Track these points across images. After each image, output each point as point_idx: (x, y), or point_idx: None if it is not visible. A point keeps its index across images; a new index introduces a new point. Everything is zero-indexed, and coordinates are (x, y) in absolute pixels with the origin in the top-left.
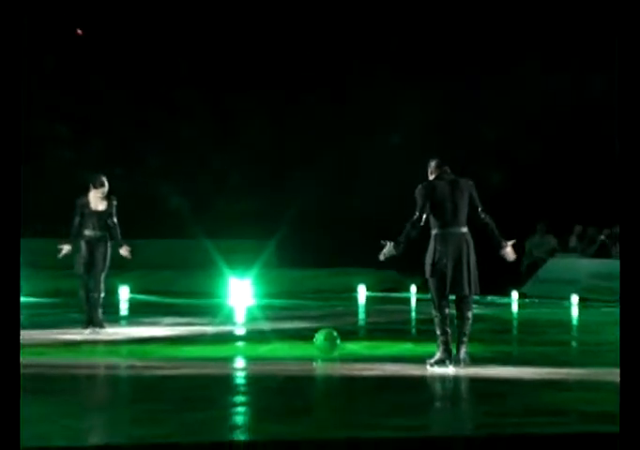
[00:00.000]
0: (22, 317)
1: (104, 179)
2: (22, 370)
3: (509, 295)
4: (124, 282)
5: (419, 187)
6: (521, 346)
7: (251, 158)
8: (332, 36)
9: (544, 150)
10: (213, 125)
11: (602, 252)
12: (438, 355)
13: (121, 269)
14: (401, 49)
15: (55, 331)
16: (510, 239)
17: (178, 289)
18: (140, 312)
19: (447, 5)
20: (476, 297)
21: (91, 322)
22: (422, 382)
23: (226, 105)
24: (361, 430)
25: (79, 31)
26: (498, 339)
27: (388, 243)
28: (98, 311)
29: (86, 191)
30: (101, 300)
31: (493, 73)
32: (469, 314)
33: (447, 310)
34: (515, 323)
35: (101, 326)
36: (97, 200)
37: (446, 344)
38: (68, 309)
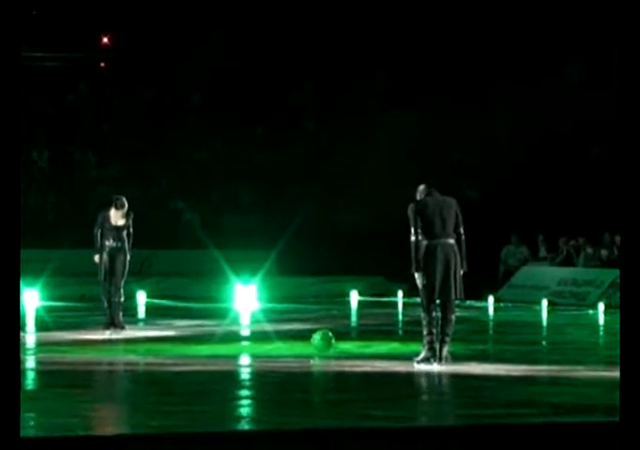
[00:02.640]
0: (49, 319)
1: (124, 200)
2: (48, 367)
3: (485, 300)
4: (141, 288)
5: (411, 204)
6: (496, 345)
7: (255, 179)
8: (326, 71)
9: (514, 170)
10: (223, 149)
11: (568, 261)
12: (424, 354)
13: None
14: (387, 83)
15: (80, 332)
16: (485, 250)
17: (190, 294)
18: (155, 315)
19: (428, 42)
20: (456, 301)
21: (112, 323)
22: (408, 377)
23: (235, 131)
24: (354, 421)
25: (102, 64)
26: (476, 339)
27: (416, 274)
28: (118, 314)
29: (108, 206)
30: (122, 304)
31: (466, 103)
32: (452, 317)
33: (434, 313)
34: (491, 325)
35: (122, 327)
36: (117, 217)
37: (431, 344)
38: (91, 313)
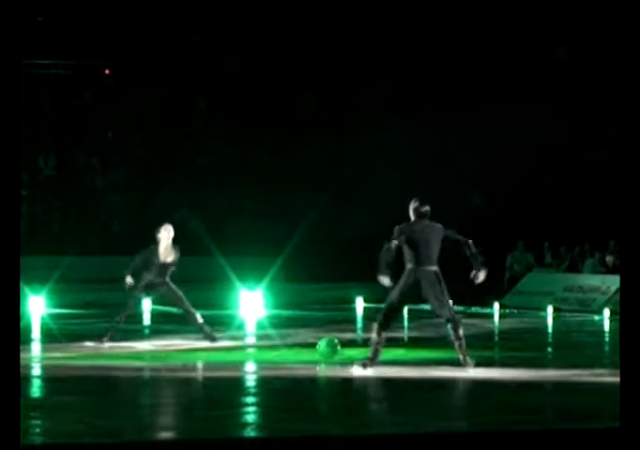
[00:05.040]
0: (54, 326)
1: (171, 227)
2: (55, 373)
3: (491, 306)
4: (147, 295)
5: (399, 226)
6: (502, 351)
7: (261, 186)
8: (333, 79)
9: (521, 176)
10: (229, 156)
11: (573, 268)
12: (369, 358)
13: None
14: (394, 91)
15: (85, 338)
16: (491, 257)
17: (196, 301)
18: (161, 322)
19: (433, 49)
20: (461, 308)
21: (111, 336)
22: (414, 384)
23: (240, 138)
24: (360, 427)
25: (107, 71)
26: (482, 345)
27: (382, 278)
28: (206, 329)
29: (156, 244)
30: (201, 319)
31: (473, 109)
32: (460, 333)
33: (389, 321)
34: (497, 331)
35: (214, 339)
36: (166, 252)
37: (378, 349)
38: (96, 320)
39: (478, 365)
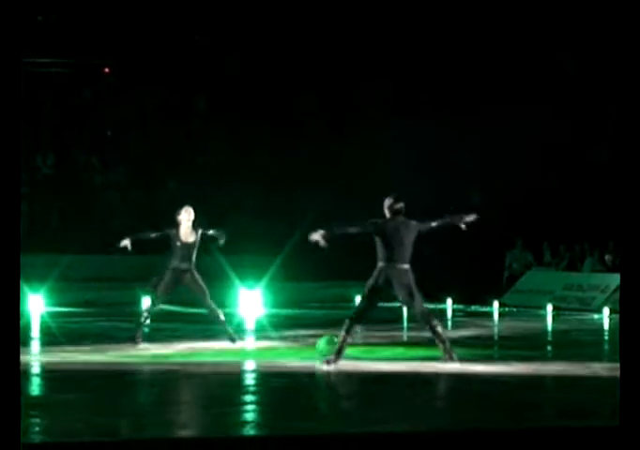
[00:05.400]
0: (54, 325)
1: (191, 209)
2: (54, 372)
3: (490, 305)
4: (146, 293)
5: (374, 220)
6: (501, 350)
7: (261, 185)
8: (333, 78)
9: (520, 175)
10: (229, 155)
11: (572, 266)
12: (334, 353)
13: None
14: (394, 91)
15: (84, 336)
16: (490, 255)
17: (195, 299)
18: (160, 321)
19: (432, 48)
20: (460, 306)
21: (140, 336)
22: (413, 382)
23: (240, 137)
24: (359, 426)
25: (106, 70)
26: (481, 344)
27: (317, 235)
28: (227, 327)
29: (177, 227)
30: (223, 317)
31: (472, 107)
32: (434, 324)
33: (361, 319)
34: (496, 330)
35: (233, 340)
36: (187, 233)
37: (344, 345)
38: (95, 318)
39: (461, 360)
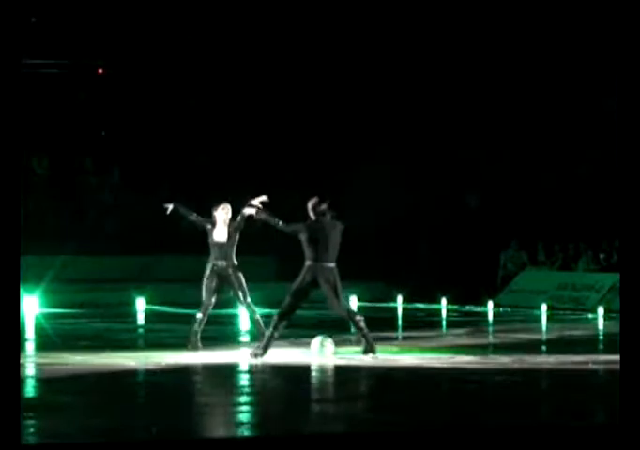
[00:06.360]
0: (48, 326)
1: (229, 207)
2: (50, 373)
3: (485, 304)
4: (141, 294)
5: (304, 226)
6: (496, 349)
7: (257, 185)
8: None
9: (514, 175)
10: (224, 155)
11: (566, 266)
12: (261, 347)
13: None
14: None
15: (79, 338)
16: (485, 255)
17: (189, 300)
18: (155, 321)
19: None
20: (455, 306)
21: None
22: (408, 382)
23: (236, 137)
24: (355, 426)
25: (100, 71)
26: (475, 344)
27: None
28: (261, 327)
29: (213, 223)
30: (258, 317)
31: (468, 106)
32: (356, 318)
33: (288, 316)
34: (490, 330)
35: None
36: (221, 232)
37: (270, 341)
38: (90, 320)
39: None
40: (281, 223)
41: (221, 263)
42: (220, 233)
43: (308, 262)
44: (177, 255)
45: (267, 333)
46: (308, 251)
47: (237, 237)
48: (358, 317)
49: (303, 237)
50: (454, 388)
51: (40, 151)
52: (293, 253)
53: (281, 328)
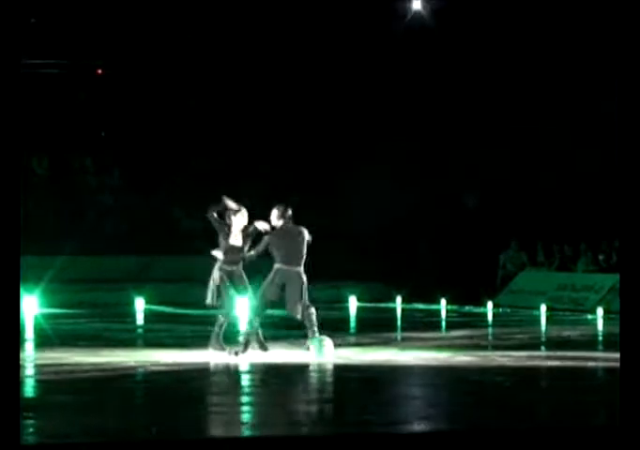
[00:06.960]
0: (48, 326)
1: (246, 213)
2: (49, 373)
3: (484, 305)
4: (140, 294)
5: (273, 233)
6: (495, 350)
7: (257, 188)
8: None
9: (514, 175)
10: (224, 157)
11: (565, 266)
12: (243, 347)
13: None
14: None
15: (78, 338)
16: (484, 256)
17: (189, 300)
18: (154, 321)
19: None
20: (454, 307)
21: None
22: (406, 382)
23: (236, 139)
24: (353, 427)
25: (99, 71)
26: (475, 345)
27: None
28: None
29: (229, 226)
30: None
31: (468, 105)
32: (315, 328)
33: (259, 317)
34: (490, 330)
35: (265, 349)
36: (237, 235)
37: (250, 340)
38: (89, 320)
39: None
40: (252, 252)
41: (232, 268)
42: (236, 238)
43: (276, 266)
44: (176, 255)
45: (246, 331)
46: (276, 255)
47: (249, 244)
48: (314, 320)
49: (274, 245)
50: (454, 388)
51: (40, 151)
52: None
53: (258, 326)
